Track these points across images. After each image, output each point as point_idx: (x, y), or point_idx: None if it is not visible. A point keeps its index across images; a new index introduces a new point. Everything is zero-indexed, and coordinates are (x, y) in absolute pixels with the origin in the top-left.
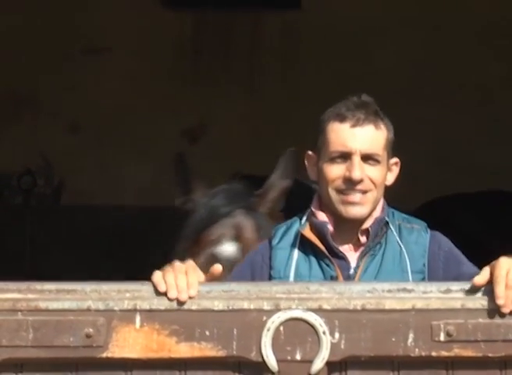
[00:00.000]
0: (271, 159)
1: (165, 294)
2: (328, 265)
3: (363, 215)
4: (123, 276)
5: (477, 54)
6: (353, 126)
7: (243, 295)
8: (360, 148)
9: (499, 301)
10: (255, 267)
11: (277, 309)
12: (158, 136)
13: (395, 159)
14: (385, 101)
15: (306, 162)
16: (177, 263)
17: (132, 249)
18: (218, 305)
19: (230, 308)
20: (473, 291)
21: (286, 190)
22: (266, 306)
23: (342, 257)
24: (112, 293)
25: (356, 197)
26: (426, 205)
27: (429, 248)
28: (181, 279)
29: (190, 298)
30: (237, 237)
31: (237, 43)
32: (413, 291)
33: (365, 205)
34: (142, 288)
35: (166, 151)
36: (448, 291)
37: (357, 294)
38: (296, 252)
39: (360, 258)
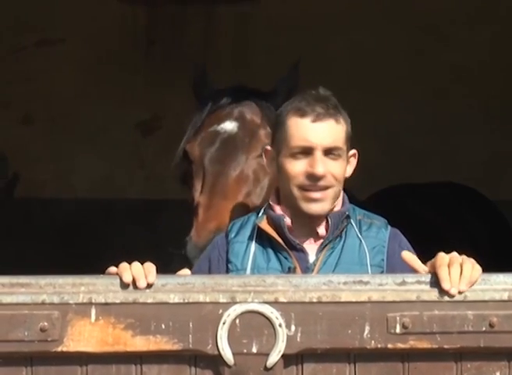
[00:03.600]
0: None
1: (121, 281)
2: (286, 257)
3: (324, 211)
4: (78, 269)
5: (427, 45)
6: (314, 120)
7: (198, 288)
8: (322, 143)
9: (445, 285)
10: (212, 262)
11: (233, 302)
12: (112, 128)
13: (353, 151)
14: (336, 91)
15: (264, 156)
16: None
17: (85, 241)
18: (174, 298)
19: (186, 301)
20: (428, 282)
21: (292, 90)
22: (222, 299)
23: (300, 249)
24: (67, 286)
25: (317, 194)
26: (376, 194)
27: (389, 244)
28: (136, 266)
29: (149, 285)
30: (240, 118)
31: (191, 34)
32: (368, 283)
33: (326, 202)
34: (97, 281)
35: (120, 143)
36: (403, 283)
37: (313, 287)
38: (253, 245)
39: (319, 251)
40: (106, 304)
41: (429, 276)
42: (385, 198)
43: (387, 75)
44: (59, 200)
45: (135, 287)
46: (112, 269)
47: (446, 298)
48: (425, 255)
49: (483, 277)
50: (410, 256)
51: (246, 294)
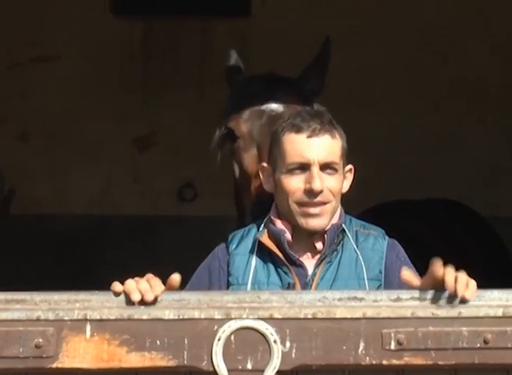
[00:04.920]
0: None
1: (128, 299)
2: (286, 272)
3: (323, 226)
4: (75, 285)
5: (425, 60)
6: (310, 136)
7: (193, 304)
8: (318, 158)
9: (457, 287)
10: (212, 272)
11: (228, 318)
12: (108, 144)
13: (349, 166)
14: (334, 107)
15: (260, 173)
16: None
17: (82, 257)
18: (169, 314)
19: (181, 317)
20: (423, 299)
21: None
22: (217, 315)
23: (299, 264)
24: (62, 303)
25: (316, 209)
26: (369, 210)
27: (387, 254)
28: (142, 283)
29: (156, 299)
30: (282, 99)
31: (187, 50)
32: (363, 299)
33: (324, 217)
34: (92, 298)
35: (116, 159)
36: (398, 299)
37: (307, 303)
38: (254, 259)
39: (316, 266)
40: (101, 320)
41: (424, 292)
42: (378, 214)
43: (384, 90)
44: (56, 216)
45: (141, 302)
46: (118, 287)
47: (441, 315)
48: (418, 271)
49: (478, 294)
50: (408, 277)
51: (241, 311)
